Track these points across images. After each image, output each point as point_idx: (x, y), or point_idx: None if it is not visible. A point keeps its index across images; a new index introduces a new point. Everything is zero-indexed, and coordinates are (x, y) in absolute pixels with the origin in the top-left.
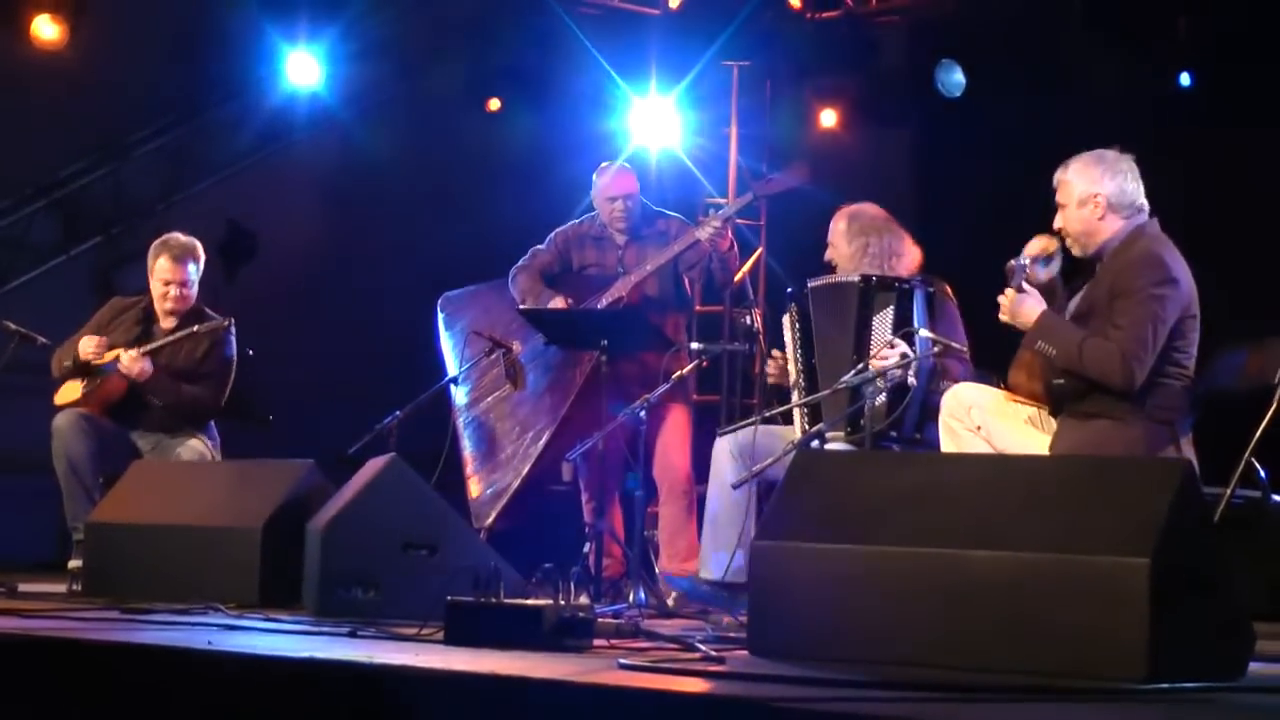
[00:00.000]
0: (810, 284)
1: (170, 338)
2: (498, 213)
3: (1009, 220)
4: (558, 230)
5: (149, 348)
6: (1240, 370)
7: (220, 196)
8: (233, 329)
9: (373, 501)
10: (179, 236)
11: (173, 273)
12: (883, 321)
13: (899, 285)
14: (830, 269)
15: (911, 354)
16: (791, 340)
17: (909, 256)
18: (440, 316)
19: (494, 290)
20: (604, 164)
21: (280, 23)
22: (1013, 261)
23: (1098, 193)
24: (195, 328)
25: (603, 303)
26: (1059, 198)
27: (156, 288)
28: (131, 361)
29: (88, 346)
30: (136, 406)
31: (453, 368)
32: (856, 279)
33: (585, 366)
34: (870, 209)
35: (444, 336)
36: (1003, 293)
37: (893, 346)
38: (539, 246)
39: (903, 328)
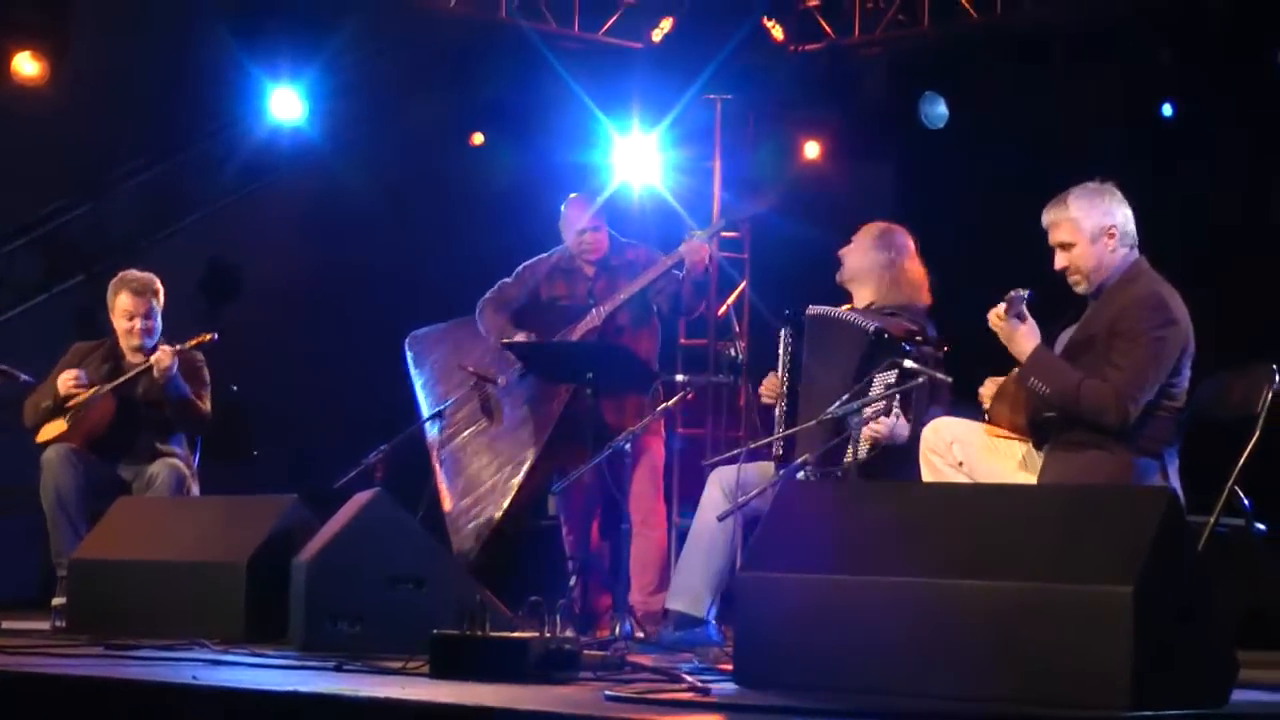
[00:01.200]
0: (810, 311)
1: (174, 353)
2: (481, 247)
3: (992, 252)
4: (525, 264)
5: (181, 347)
6: (1223, 398)
7: (203, 233)
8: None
9: (358, 536)
10: (135, 272)
11: (134, 306)
12: (884, 380)
13: (910, 349)
14: (842, 293)
15: (902, 416)
16: (781, 363)
17: (924, 292)
18: (409, 355)
19: (462, 327)
20: (572, 195)
21: (262, 59)
22: (1014, 292)
23: (1112, 225)
24: (181, 345)
25: (577, 334)
26: (1061, 236)
27: (120, 324)
28: (164, 354)
29: (67, 380)
30: (120, 438)
31: (425, 405)
32: (870, 329)
33: (563, 398)
34: (903, 232)
35: (414, 374)
36: (995, 311)
37: (889, 413)
38: (506, 280)
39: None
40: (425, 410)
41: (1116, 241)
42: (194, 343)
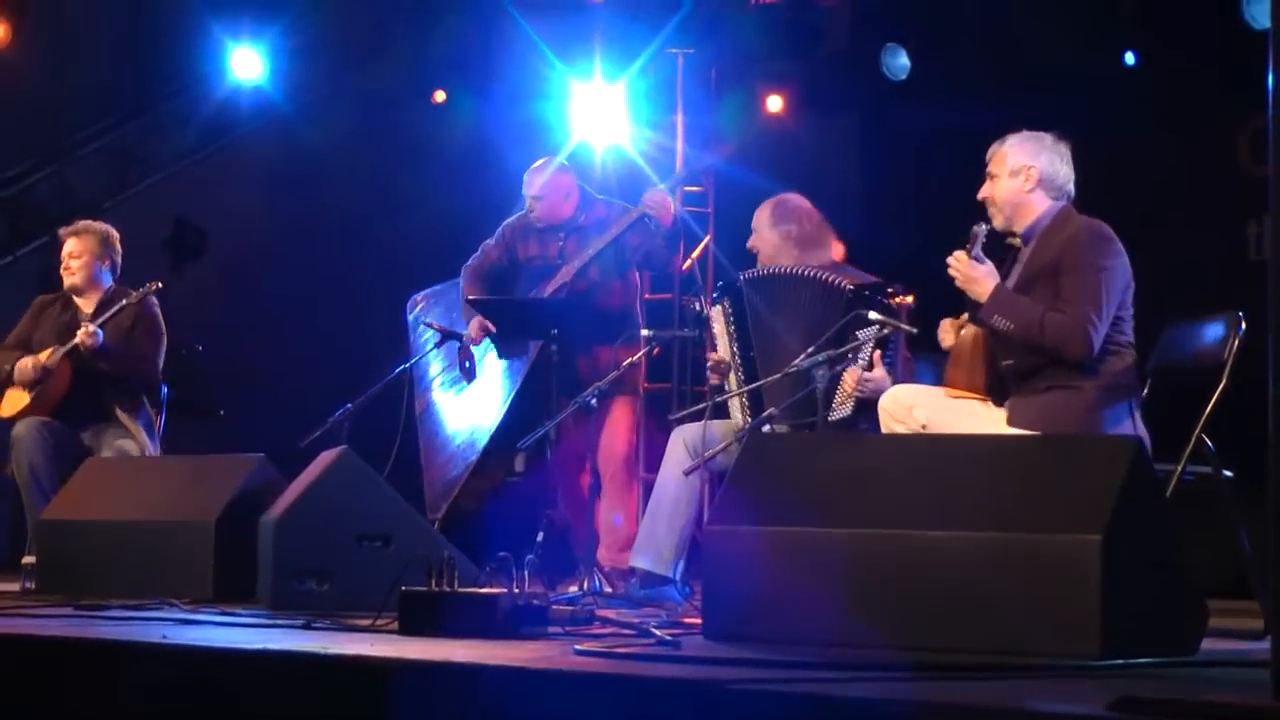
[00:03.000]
0: (747, 274)
1: (109, 312)
2: (444, 205)
3: (956, 203)
4: (505, 223)
5: (101, 321)
6: (1189, 346)
7: (167, 194)
8: (154, 295)
9: (325, 494)
10: (78, 222)
11: (70, 247)
12: (865, 336)
13: (886, 301)
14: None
15: (883, 369)
16: (725, 334)
17: (830, 250)
18: (409, 318)
19: (455, 288)
20: (536, 163)
21: (223, 18)
22: (976, 226)
23: (1031, 165)
24: (126, 299)
25: (547, 291)
26: (991, 168)
27: (62, 270)
28: (85, 335)
29: (26, 371)
30: (81, 401)
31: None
32: (847, 287)
33: (530, 355)
34: (795, 198)
35: (413, 336)
36: (955, 255)
37: (872, 368)
38: (489, 241)
39: (882, 346)
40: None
41: (1034, 183)
42: (139, 295)
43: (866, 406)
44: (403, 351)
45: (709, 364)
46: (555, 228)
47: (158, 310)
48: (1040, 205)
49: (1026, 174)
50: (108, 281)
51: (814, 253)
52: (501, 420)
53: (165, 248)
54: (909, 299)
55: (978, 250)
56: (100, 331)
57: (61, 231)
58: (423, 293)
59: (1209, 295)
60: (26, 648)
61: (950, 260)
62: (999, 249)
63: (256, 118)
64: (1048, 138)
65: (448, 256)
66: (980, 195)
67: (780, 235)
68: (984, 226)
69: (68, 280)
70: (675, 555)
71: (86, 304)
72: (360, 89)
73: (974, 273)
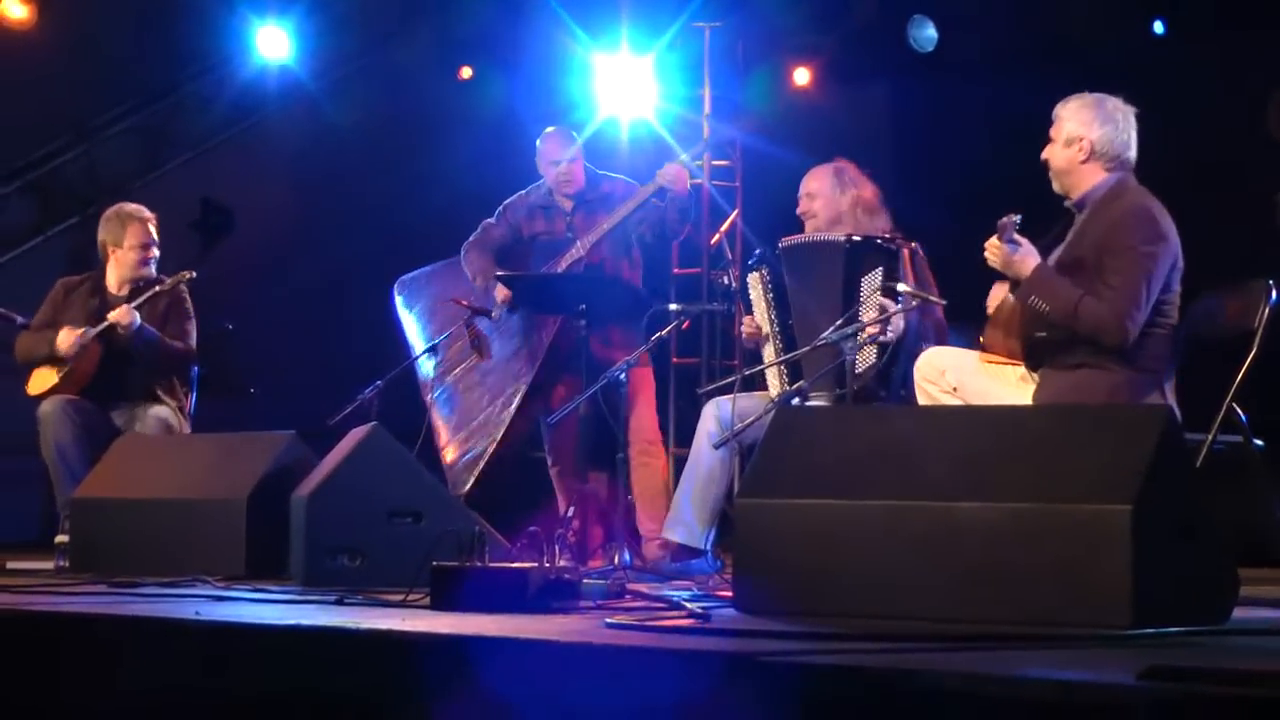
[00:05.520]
0: (783, 243)
1: (144, 296)
2: (471, 181)
3: (984, 174)
4: (506, 202)
5: (137, 303)
6: (1219, 315)
7: (194, 173)
8: (181, 286)
9: (356, 470)
10: (130, 205)
11: (146, 235)
12: (871, 282)
13: (885, 245)
14: (801, 225)
15: (897, 310)
16: (764, 302)
17: (883, 217)
18: (398, 299)
19: (450, 269)
20: (548, 129)
21: None
22: (1005, 218)
23: (1084, 136)
24: (159, 285)
25: (561, 266)
26: (1052, 131)
27: (133, 255)
28: (123, 315)
29: (69, 341)
30: (110, 381)
31: (417, 346)
32: (841, 239)
33: (551, 330)
34: (852, 166)
35: (407, 318)
36: (990, 242)
37: (884, 310)
38: (489, 220)
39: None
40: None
41: (1087, 154)
42: (173, 281)
43: (885, 378)
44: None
45: (744, 330)
46: (566, 203)
47: (187, 294)
48: (1094, 176)
49: (1080, 145)
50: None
51: (874, 221)
52: (524, 395)
53: (193, 227)
54: (912, 244)
55: (1010, 235)
56: (136, 313)
57: (132, 218)
58: (408, 276)
59: (1239, 264)
60: (61, 625)
61: (986, 246)
62: (1053, 215)
63: (283, 97)
64: (1108, 103)
65: (471, 231)
66: (1043, 156)
67: (850, 201)
68: (1013, 217)
69: (146, 271)
70: (706, 528)
71: (122, 287)
72: (386, 66)
73: (1011, 256)
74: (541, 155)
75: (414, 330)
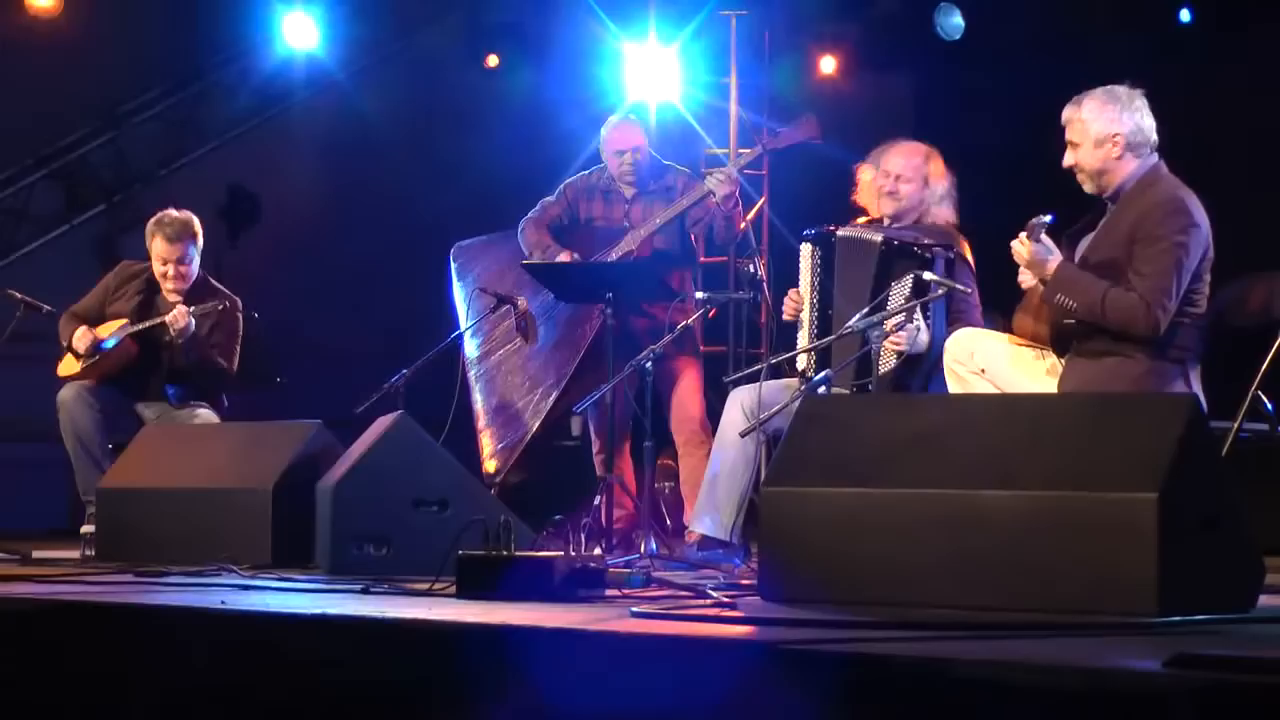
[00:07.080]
0: (840, 231)
1: (203, 307)
2: (498, 169)
3: (1011, 163)
4: (567, 181)
5: (194, 310)
6: (1244, 304)
7: (221, 161)
8: (238, 308)
9: (382, 459)
10: (173, 213)
11: (169, 252)
12: (900, 291)
13: (920, 253)
14: (857, 211)
15: (923, 323)
16: (810, 275)
17: (949, 207)
18: (453, 266)
19: (506, 240)
20: (612, 117)
21: None
22: (1035, 219)
23: (1116, 132)
24: (218, 301)
25: (612, 257)
26: (1070, 135)
27: (156, 267)
28: (179, 316)
29: (84, 341)
30: (142, 377)
31: (464, 319)
32: (878, 239)
33: (595, 322)
34: (937, 153)
35: (456, 286)
36: (1018, 239)
37: (910, 321)
38: (548, 198)
39: (920, 298)
40: (465, 322)
41: (1122, 149)
42: (231, 305)
43: (913, 366)
44: (452, 310)
45: (785, 307)
46: (628, 190)
47: (242, 319)
48: (1128, 166)
49: (1113, 141)
50: (194, 276)
51: (943, 211)
52: (565, 386)
53: (220, 215)
54: (952, 253)
55: (1038, 234)
56: (192, 319)
57: (158, 229)
58: (465, 243)
59: (1265, 251)
60: (89, 614)
61: (1013, 244)
62: (1079, 206)
63: (310, 85)
64: (1122, 93)
65: (502, 221)
66: (1065, 164)
67: (947, 187)
68: (1043, 218)
69: (171, 285)
70: (733, 518)
71: (169, 295)
72: (413, 54)
73: (1036, 256)
74: (606, 144)
75: (461, 302)
